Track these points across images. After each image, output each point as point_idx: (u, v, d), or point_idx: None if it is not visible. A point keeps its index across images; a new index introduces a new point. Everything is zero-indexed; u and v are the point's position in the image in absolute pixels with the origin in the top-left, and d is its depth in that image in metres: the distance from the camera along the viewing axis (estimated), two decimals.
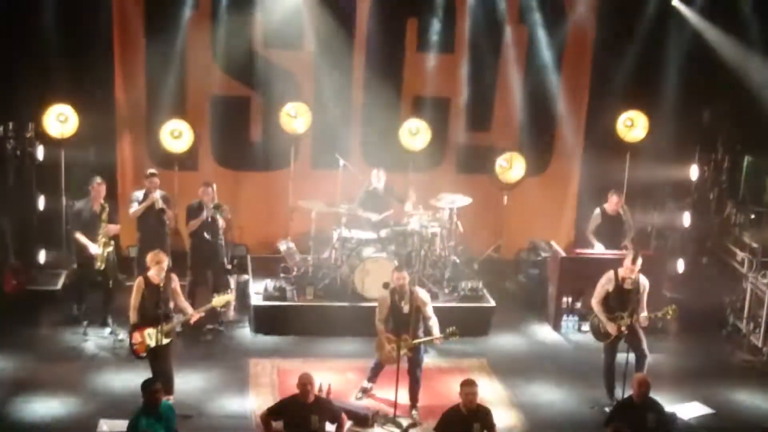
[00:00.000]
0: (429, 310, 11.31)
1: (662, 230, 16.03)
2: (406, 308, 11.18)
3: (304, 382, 9.72)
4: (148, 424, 9.32)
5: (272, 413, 9.83)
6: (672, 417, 11.09)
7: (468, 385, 9.69)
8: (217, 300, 11.32)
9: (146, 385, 9.51)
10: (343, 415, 10.05)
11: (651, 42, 15.44)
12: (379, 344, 11.37)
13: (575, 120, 16.24)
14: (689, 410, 11.70)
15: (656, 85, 15.63)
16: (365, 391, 11.70)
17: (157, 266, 10.89)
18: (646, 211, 15.83)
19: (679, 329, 14.08)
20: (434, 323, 11.26)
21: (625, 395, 11.29)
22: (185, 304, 11.26)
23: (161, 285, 10.84)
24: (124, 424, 10.23)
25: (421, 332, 11.28)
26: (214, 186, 13.37)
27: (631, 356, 11.53)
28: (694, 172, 15.57)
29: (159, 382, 9.68)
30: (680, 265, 15.34)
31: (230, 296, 11.82)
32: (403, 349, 11.04)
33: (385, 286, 11.36)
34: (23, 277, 13.92)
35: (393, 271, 11.52)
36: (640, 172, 15.66)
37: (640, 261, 11.50)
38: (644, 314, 11.52)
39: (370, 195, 14.48)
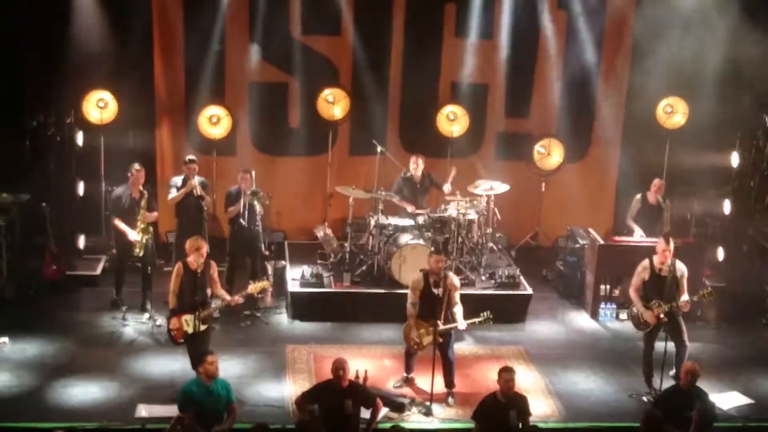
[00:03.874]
0: (457, 296, 11.28)
1: (702, 218, 15.85)
2: (439, 292, 11.15)
3: (338, 367, 9.77)
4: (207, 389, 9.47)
5: (307, 398, 9.88)
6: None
7: (506, 372, 9.72)
8: (254, 286, 11.38)
9: (202, 357, 9.62)
10: (379, 401, 10.07)
11: (691, 26, 15.24)
12: (407, 330, 11.35)
13: (614, 106, 16.11)
14: (728, 400, 11.58)
15: (697, 71, 15.44)
16: (406, 381, 11.69)
17: (196, 252, 10.93)
18: (686, 198, 15.66)
19: (719, 317, 13.92)
20: (459, 309, 11.22)
21: (663, 384, 11.23)
22: (221, 292, 11.31)
23: (199, 271, 10.90)
24: (162, 409, 10.38)
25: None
26: (253, 173, 13.41)
27: (670, 345, 11.44)
28: (735, 158, 15.36)
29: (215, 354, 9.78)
30: (720, 253, 15.15)
31: (267, 282, 11.86)
32: (433, 335, 11.02)
33: (422, 271, 11.36)
34: (63, 263, 14.00)
35: (430, 254, 11.51)
36: (679, 158, 15.54)
37: (672, 246, 11.41)
38: (685, 298, 11.42)
39: (407, 182, 14.45)
